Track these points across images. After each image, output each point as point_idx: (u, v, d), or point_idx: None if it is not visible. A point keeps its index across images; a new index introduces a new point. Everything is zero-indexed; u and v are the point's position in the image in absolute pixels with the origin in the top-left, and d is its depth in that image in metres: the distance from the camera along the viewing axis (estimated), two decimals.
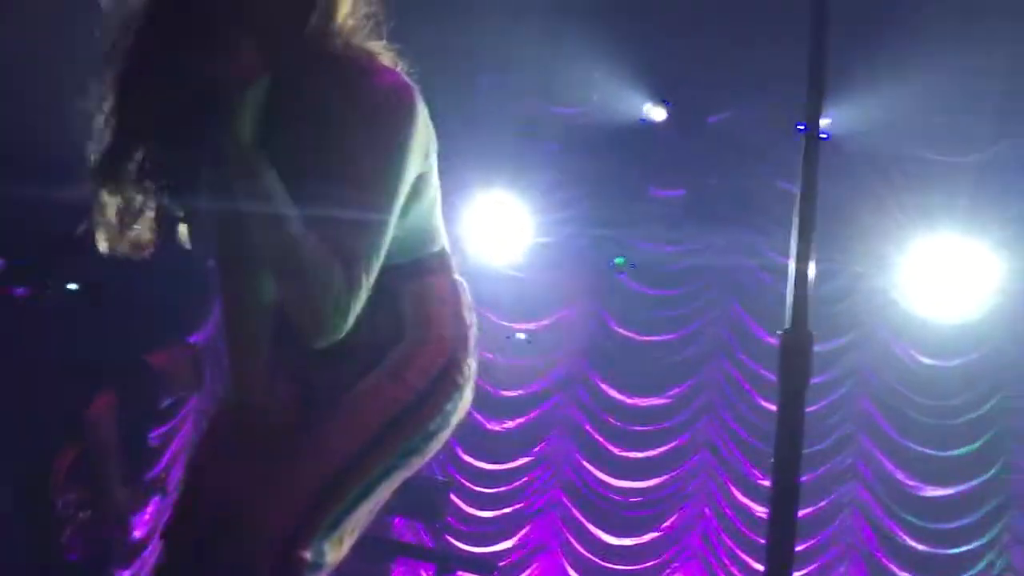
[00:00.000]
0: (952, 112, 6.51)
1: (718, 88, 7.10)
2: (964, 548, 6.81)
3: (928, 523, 6.92)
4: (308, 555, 1.58)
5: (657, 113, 7.03)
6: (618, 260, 7.64)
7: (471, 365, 1.83)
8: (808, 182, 1.82)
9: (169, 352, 3.91)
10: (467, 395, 1.82)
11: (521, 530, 7.62)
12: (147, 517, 7.85)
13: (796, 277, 1.77)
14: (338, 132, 1.49)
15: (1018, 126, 6.43)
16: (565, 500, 7.64)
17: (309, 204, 1.45)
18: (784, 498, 1.69)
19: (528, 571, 7.53)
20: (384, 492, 1.73)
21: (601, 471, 7.61)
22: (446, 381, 1.75)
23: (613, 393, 7.75)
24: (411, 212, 1.67)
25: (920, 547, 6.89)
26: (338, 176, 1.46)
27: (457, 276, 1.85)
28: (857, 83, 6.36)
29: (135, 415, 4.06)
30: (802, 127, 1.86)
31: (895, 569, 6.88)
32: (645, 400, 7.71)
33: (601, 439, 7.68)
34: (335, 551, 1.65)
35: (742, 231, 7.54)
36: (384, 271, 1.57)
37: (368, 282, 1.51)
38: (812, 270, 1.79)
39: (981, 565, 6.77)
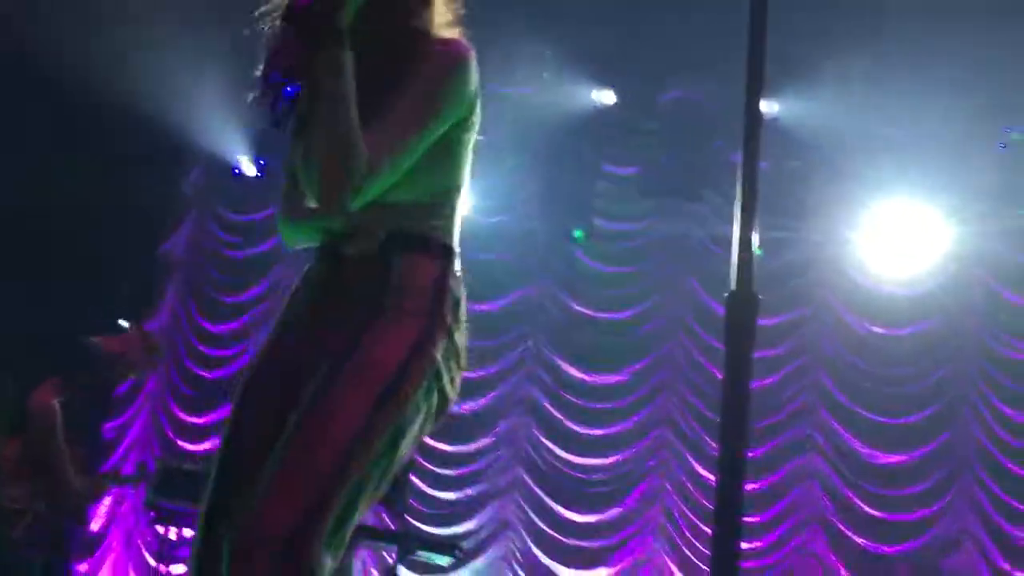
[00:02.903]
0: (904, 85, 6.60)
1: (668, 68, 7.15)
2: (918, 513, 6.94)
3: (884, 490, 7.04)
4: (314, 556, 1.64)
5: (606, 96, 7.09)
6: (577, 233, 7.64)
7: (454, 351, 1.88)
8: (750, 151, 1.84)
9: (120, 336, 3.84)
10: (448, 384, 1.87)
11: (484, 510, 7.64)
12: (104, 509, 7.76)
13: (740, 241, 1.79)
14: (409, 67, 1.84)
15: (967, 99, 6.52)
16: (527, 479, 7.66)
17: (368, 110, 1.77)
18: (732, 462, 1.70)
19: (491, 550, 7.56)
20: (379, 484, 1.76)
21: (562, 449, 7.64)
22: (422, 359, 1.80)
23: (572, 371, 7.78)
24: (437, 166, 1.89)
25: (876, 513, 7.01)
26: (404, 96, 1.81)
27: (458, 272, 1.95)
28: (812, 58, 6.42)
29: (85, 401, 3.99)
30: None
31: (852, 535, 7.00)
32: (604, 377, 7.75)
33: (561, 417, 7.71)
34: (339, 552, 1.69)
35: (696, 206, 7.59)
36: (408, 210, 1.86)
37: (381, 175, 1.77)
38: (756, 236, 1.81)
39: (935, 529, 6.90)
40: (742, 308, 1.75)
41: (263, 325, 8.19)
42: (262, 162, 8.04)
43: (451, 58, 1.88)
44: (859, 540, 6.97)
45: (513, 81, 7.18)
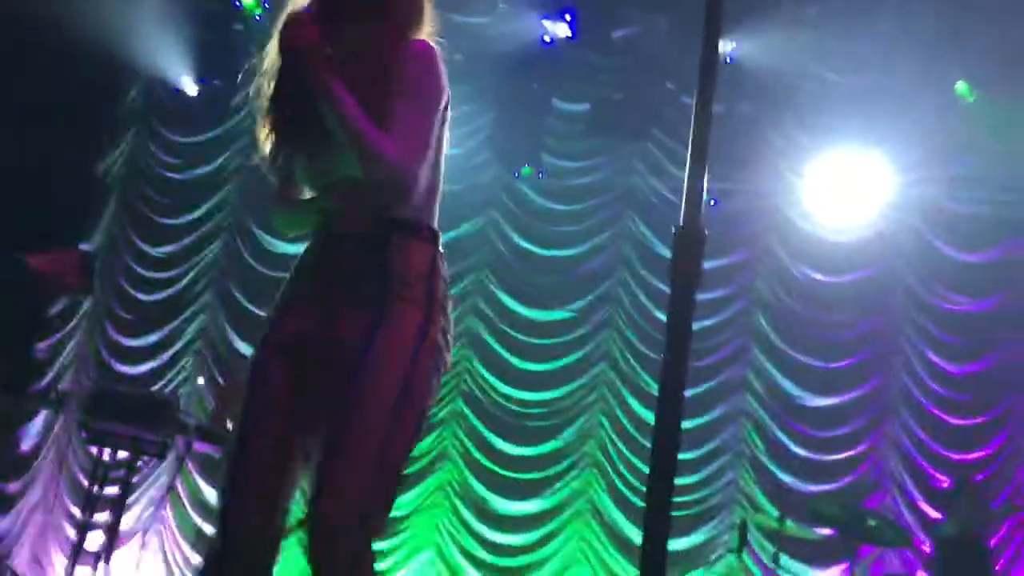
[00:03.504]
0: (848, 34, 6.62)
1: (623, 3, 7.07)
2: (844, 455, 7.16)
3: (812, 431, 7.24)
4: (378, 534, 1.99)
5: (560, 29, 7.00)
6: (525, 170, 7.60)
7: (448, 329, 2.14)
8: (704, 91, 1.83)
9: (53, 255, 3.75)
10: (448, 357, 2.14)
11: (423, 441, 7.68)
12: (35, 430, 7.65)
13: (689, 176, 1.79)
14: (404, 70, 2.11)
15: (909, 49, 6.58)
16: (466, 411, 7.72)
17: (384, 114, 2.07)
18: (672, 387, 1.72)
19: (430, 479, 7.63)
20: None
21: (503, 383, 7.70)
22: (430, 346, 2.06)
23: (515, 306, 7.81)
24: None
25: (805, 454, 7.21)
26: (405, 97, 2.08)
27: (441, 249, 2.18)
28: (762, 4, 6.41)
29: (14, 319, 3.91)
30: None
31: (780, 475, 7.20)
32: (546, 313, 7.79)
33: (503, 351, 7.76)
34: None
35: (646, 146, 7.60)
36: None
37: (419, 182, 2.08)
38: (706, 174, 1.81)
39: (859, 470, 7.13)
40: (689, 245, 1.75)
41: (203, 248, 8.07)
42: (203, 81, 7.81)
43: (430, 59, 2.14)
44: (785, 477, 7.17)
45: (468, 10, 7.06)
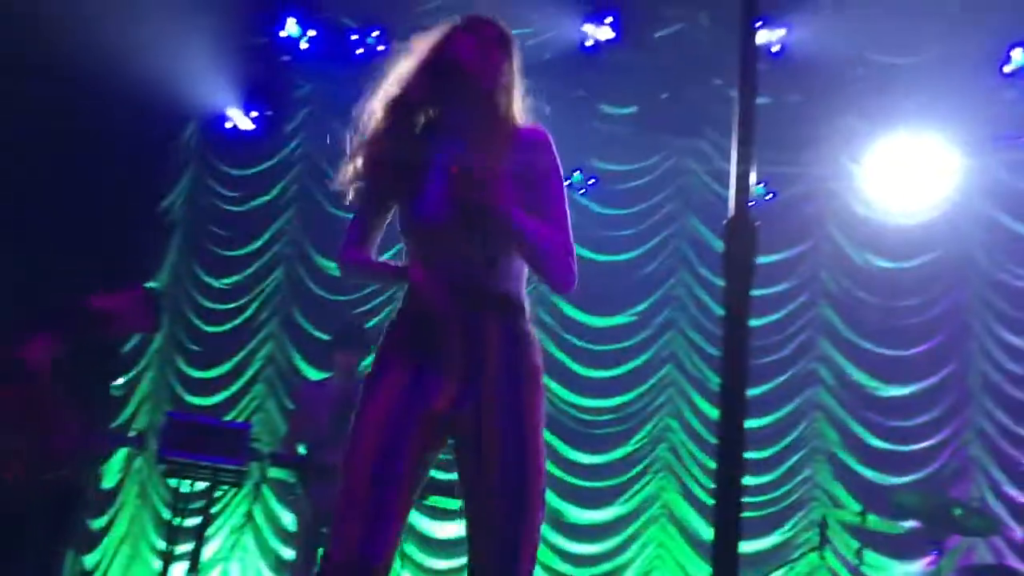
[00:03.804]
0: (903, 14, 6.48)
1: (664, 2, 7.03)
2: (924, 444, 6.98)
3: (889, 421, 7.07)
4: None
5: (602, 32, 6.95)
6: (575, 177, 7.58)
7: None
8: (746, 79, 1.80)
9: (117, 295, 3.83)
10: None
11: None
12: (117, 466, 7.83)
13: (738, 163, 1.76)
14: (551, 180, 2.37)
15: (964, 26, 6.42)
16: None
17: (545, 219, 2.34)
18: (733, 389, 1.69)
19: None
20: None
21: (568, 391, 7.67)
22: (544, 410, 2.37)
23: (576, 314, 7.78)
24: None
25: (882, 445, 7.05)
26: (556, 195, 2.36)
27: None
28: None
29: (90, 361, 4.01)
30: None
31: (858, 468, 7.04)
32: (608, 319, 7.75)
33: (566, 360, 7.73)
34: None
35: (696, 143, 7.53)
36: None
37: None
38: (754, 169, 1.78)
39: (941, 459, 6.95)
40: (740, 236, 1.72)
41: (264, 278, 8.20)
42: (255, 115, 7.95)
43: (551, 145, 2.38)
44: (866, 472, 7.01)
45: (507, 23, 7.07)
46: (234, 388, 7.97)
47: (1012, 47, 6.46)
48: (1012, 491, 6.71)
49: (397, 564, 6.65)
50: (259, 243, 8.21)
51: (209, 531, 6.81)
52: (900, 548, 6.48)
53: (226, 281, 8.21)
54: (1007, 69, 6.51)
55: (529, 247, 2.24)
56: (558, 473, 7.56)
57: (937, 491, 6.30)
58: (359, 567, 2.09)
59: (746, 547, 7.13)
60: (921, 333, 7.15)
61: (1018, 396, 6.86)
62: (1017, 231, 7.03)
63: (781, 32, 6.67)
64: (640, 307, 7.73)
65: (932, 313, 7.18)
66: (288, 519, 7.31)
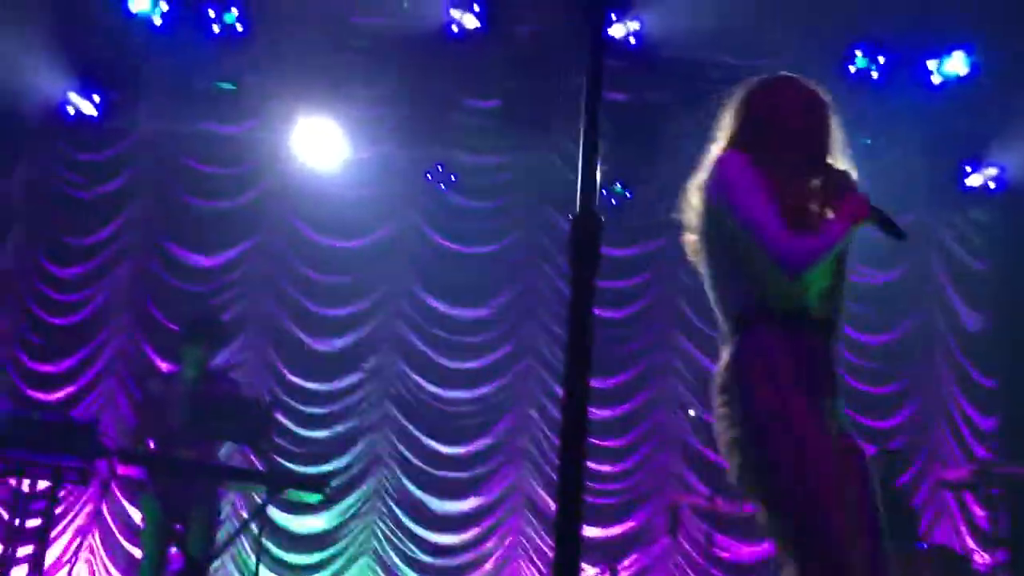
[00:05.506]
0: (749, 19, 6.73)
1: None
2: None
3: None
4: None
5: (468, 20, 6.94)
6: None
7: None
8: (593, 79, 1.84)
9: None
10: None
11: (355, 446, 7.63)
12: None
13: (583, 164, 1.80)
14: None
15: (807, 38, 6.74)
16: (396, 414, 7.68)
17: None
18: (576, 379, 1.74)
19: (364, 485, 7.57)
20: None
21: (430, 383, 7.68)
22: None
23: (437, 305, 7.79)
24: None
25: None
26: None
27: None
28: None
29: None
30: None
31: (709, 454, 7.31)
32: (470, 311, 7.79)
33: (429, 351, 7.73)
34: None
35: (559, 140, 7.63)
36: None
37: None
38: (599, 161, 1.83)
39: None
40: (585, 230, 1.76)
41: (113, 267, 7.86)
42: (98, 99, 7.56)
43: None
44: (714, 456, 7.28)
45: (371, 11, 7.01)
46: (81, 382, 7.62)
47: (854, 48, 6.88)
48: None
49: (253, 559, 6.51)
50: (108, 231, 7.87)
51: (53, 532, 6.50)
52: (749, 530, 6.77)
53: (72, 271, 7.83)
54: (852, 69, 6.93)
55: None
56: (420, 464, 7.56)
57: None
58: None
59: (602, 533, 7.34)
60: None
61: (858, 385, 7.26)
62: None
63: (635, 25, 6.81)
64: (501, 299, 7.80)
65: None
66: (138, 516, 7.05)
